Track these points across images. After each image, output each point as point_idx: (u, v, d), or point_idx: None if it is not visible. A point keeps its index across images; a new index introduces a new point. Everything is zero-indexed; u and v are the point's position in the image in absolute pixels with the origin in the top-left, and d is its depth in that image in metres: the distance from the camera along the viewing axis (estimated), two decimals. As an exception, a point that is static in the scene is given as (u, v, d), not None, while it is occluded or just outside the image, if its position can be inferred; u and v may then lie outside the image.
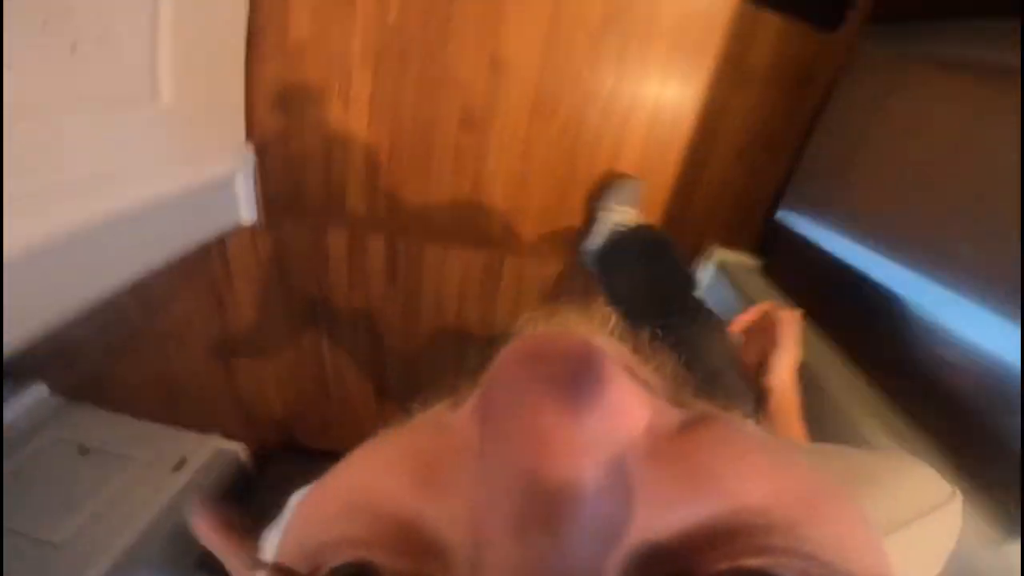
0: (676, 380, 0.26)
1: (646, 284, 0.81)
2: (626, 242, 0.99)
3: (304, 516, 0.17)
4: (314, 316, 1.46)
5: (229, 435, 1.56)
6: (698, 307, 0.74)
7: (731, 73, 1.13)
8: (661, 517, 0.13)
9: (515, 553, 0.12)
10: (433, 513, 0.14)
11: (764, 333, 0.59)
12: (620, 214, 1.11)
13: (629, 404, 0.14)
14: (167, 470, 1.36)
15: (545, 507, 0.12)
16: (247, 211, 1.25)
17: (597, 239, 1.11)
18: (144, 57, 0.86)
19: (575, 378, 0.13)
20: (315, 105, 1.19)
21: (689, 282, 0.82)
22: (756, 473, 0.15)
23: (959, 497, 0.32)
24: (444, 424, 0.18)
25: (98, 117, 0.79)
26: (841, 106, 1.01)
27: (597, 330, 0.21)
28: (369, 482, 0.16)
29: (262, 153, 1.22)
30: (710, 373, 0.59)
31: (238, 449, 1.55)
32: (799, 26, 1.07)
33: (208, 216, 1.16)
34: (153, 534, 1.20)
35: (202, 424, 1.53)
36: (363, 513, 0.15)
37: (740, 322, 0.62)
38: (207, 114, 1.06)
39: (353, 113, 1.19)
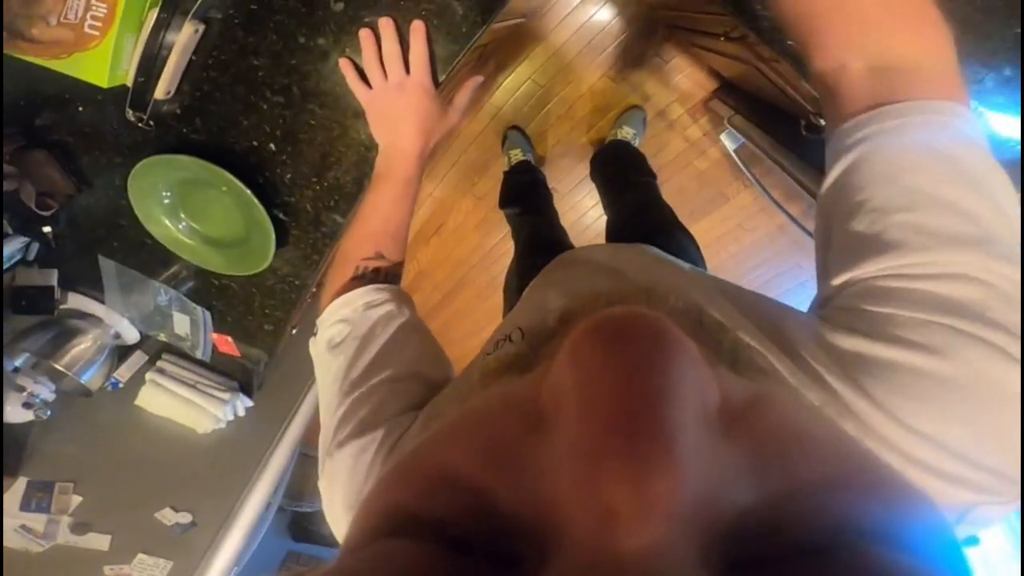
0: (732, 353, 0.30)
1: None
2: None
3: (389, 487, 0.20)
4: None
5: None
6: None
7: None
8: (734, 492, 0.16)
9: (601, 521, 0.14)
10: (506, 493, 0.17)
11: None
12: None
13: (705, 380, 0.17)
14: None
15: (638, 484, 0.14)
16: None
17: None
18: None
19: (656, 355, 0.16)
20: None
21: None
22: (814, 452, 0.18)
23: None
24: (513, 400, 0.21)
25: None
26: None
27: (663, 311, 0.27)
28: (448, 461, 0.19)
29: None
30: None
31: None
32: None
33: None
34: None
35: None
36: (444, 492, 0.18)
37: None
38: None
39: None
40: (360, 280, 0.58)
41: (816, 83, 0.41)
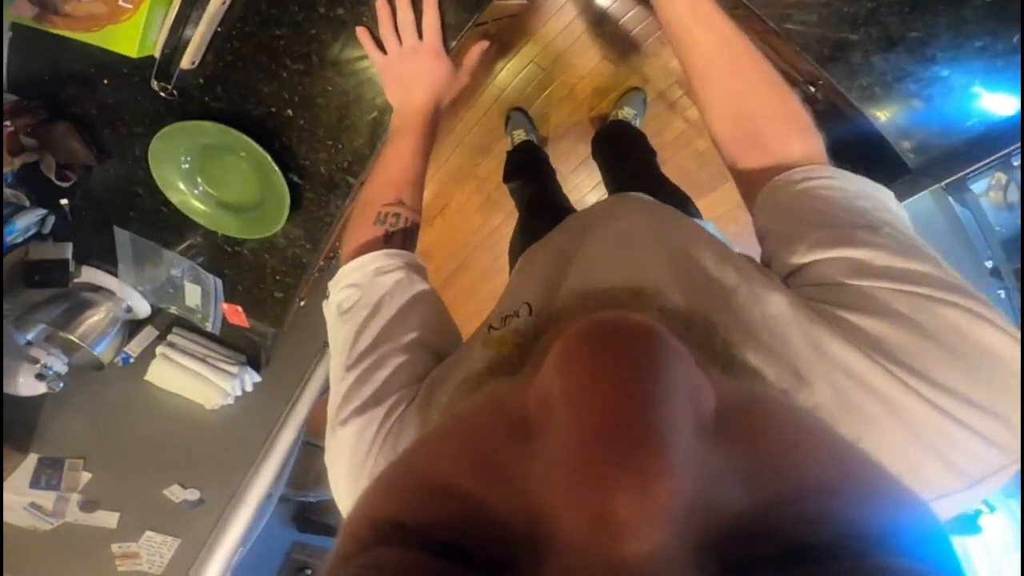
0: (724, 352, 0.30)
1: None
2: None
3: (380, 496, 0.20)
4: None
5: None
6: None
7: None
8: (728, 497, 0.16)
9: (597, 533, 0.14)
10: (497, 501, 0.18)
11: None
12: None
13: (697, 384, 0.18)
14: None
15: (631, 488, 0.14)
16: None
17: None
18: None
19: (646, 360, 0.16)
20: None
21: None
22: (809, 456, 0.18)
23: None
24: (501, 408, 0.22)
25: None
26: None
27: (652, 313, 0.30)
28: (438, 471, 0.20)
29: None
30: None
31: None
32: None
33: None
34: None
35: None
36: (435, 501, 0.18)
37: None
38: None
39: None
40: (380, 227, 0.61)
41: (739, 186, 0.56)
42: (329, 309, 0.56)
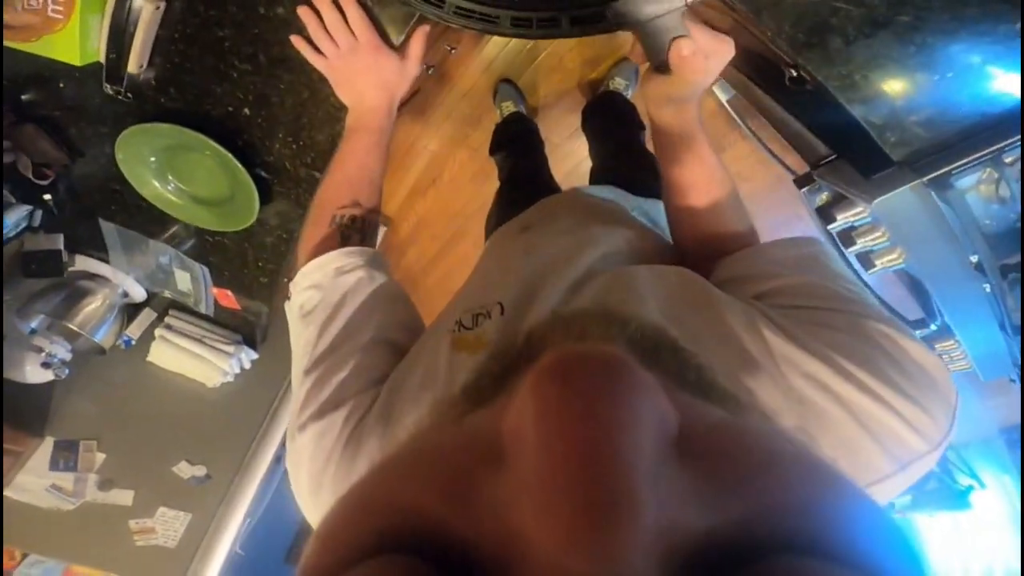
0: (693, 376, 0.31)
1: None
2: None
3: (354, 517, 0.21)
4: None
5: None
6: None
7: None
8: (695, 517, 0.17)
9: (565, 558, 0.14)
10: (468, 527, 0.18)
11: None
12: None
13: (662, 410, 0.18)
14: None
15: (599, 508, 0.15)
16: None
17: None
18: None
19: (612, 388, 0.17)
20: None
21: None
22: (773, 479, 0.19)
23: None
24: (473, 436, 0.22)
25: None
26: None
27: (621, 343, 0.30)
28: (410, 497, 0.20)
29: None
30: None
31: None
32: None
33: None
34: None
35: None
36: (407, 525, 0.19)
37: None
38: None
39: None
40: (337, 229, 0.61)
41: (688, 258, 0.64)
42: (291, 311, 0.55)
